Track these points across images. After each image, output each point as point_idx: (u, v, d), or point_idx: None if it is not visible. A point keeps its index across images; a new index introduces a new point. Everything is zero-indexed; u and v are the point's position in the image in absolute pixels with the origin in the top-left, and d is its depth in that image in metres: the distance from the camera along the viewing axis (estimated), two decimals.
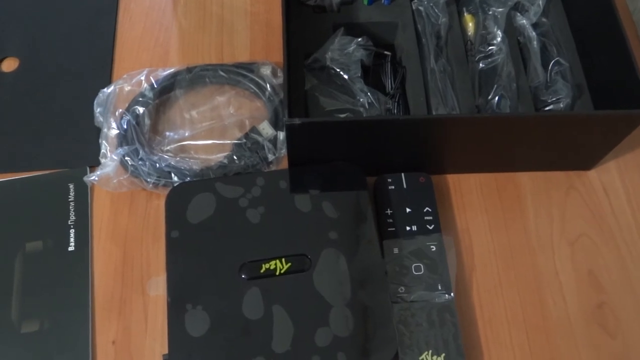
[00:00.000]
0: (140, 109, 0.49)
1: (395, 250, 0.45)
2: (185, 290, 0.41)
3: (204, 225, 0.44)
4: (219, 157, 0.48)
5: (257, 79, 0.51)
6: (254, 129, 0.49)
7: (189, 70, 0.52)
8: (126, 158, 0.46)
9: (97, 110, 0.50)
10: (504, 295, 0.45)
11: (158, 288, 0.44)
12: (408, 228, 0.46)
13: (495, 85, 0.49)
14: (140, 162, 0.47)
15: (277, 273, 0.42)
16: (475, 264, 0.47)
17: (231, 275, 0.42)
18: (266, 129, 0.49)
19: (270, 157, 0.48)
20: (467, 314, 0.44)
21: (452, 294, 0.43)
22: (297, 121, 0.40)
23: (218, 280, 0.42)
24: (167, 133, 0.50)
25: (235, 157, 0.48)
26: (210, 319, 0.40)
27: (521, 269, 0.46)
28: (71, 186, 0.48)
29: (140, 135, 0.48)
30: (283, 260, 0.42)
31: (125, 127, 0.48)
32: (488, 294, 0.45)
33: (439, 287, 0.44)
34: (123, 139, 0.48)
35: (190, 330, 0.40)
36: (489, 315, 0.45)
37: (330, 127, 0.42)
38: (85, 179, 0.47)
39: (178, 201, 0.45)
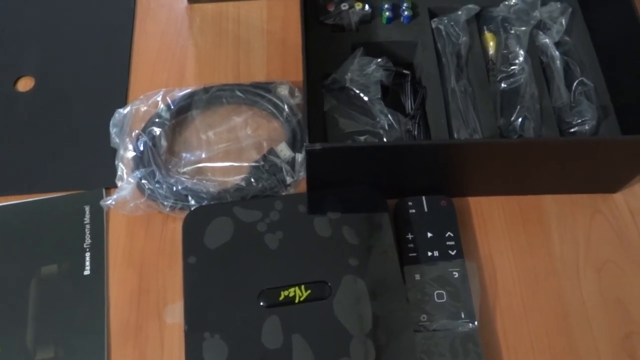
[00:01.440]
0: (157, 130, 0.48)
1: (417, 277, 0.44)
2: (203, 318, 0.41)
3: (222, 251, 0.43)
4: (236, 179, 0.48)
5: (274, 99, 0.51)
6: (271, 151, 0.48)
7: (206, 90, 0.51)
8: (143, 181, 0.46)
9: (113, 131, 0.49)
10: (529, 324, 0.44)
11: (175, 315, 0.43)
12: (430, 253, 0.45)
13: (519, 106, 0.48)
14: (157, 185, 0.46)
15: (297, 301, 0.41)
16: (499, 291, 0.45)
17: (249, 302, 0.41)
18: (284, 150, 0.48)
19: (289, 179, 0.47)
20: (490, 343, 0.43)
21: (475, 323, 0.42)
22: (317, 146, 0.39)
23: (236, 308, 0.41)
24: (184, 154, 0.49)
25: (252, 180, 0.47)
26: (228, 348, 0.39)
27: (546, 296, 0.45)
28: (87, 208, 0.48)
29: (156, 157, 0.47)
30: (302, 287, 0.41)
31: (141, 148, 0.47)
32: (512, 322, 0.44)
33: (462, 316, 0.42)
34: (139, 160, 0.47)
35: (208, 359, 0.39)
36: (513, 345, 0.43)
37: (352, 152, 0.41)
38: (101, 203, 0.46)
39: (195, 226, 0.44)
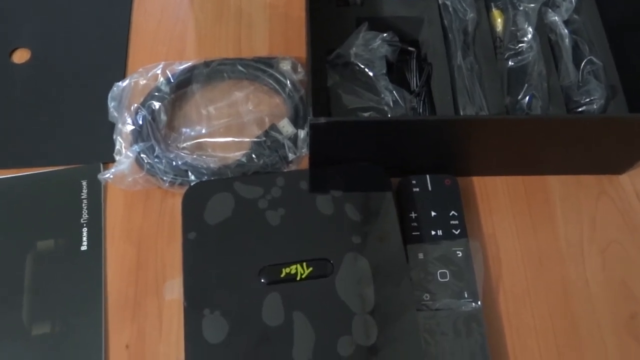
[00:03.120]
0: (156, 104, 0.47)
1: (420, 256, 0.43)
2: (203, 294, 0.40)
3: (222, 227, 0.42)
4: (237, 155, 0.47)
5: (276, 74, 0.49)
6: (273, 127, 0.47)
7: (207, 64, 0.50)
8: (142, 155, 0.45)
9: (111, 104, 0.48)
10: (532, 304, 0.44)
11: (174, 291, 0.42)
12: (433, 232, 0.44)
13: (526, 85, 0.47)
14: (156, 160, 0.45)
15: (298, 278, 0.40)
16: (502, 271, 0.45)
17: (250, 279, 0.40)
18: (286, 126, 0.47)
19: (291, 156, 0.46)
20: (494, 323, 0.43)
21: (479, 303, 0.42)
22: (322, 120, 0.38)
23: (237, 285, 0.40)
24: (184, 129, 0.48)
25: (254, 156, 0.46)
26: (228, 325, 0.39)
27: (550, 276, 0.45)
28: (84, 183, 0.47)
29: (156, 132, 0.46)
30: (304, 264, 0.41)
31: (140, 122, 0.46)
32: (516, 302, 0.44)
33: (466, 295, 0.42)
34: (138, 135, 0.46)
35: (207, 336, 0.38)
36: (516, 325, 0.43)
37: (357, 126, 0.40)
38: (99, 176, 0.45)
39: (195, 201, 0.43)
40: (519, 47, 0.49)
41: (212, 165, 0.46)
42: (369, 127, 0.41)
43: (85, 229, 0.45)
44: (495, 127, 0.42)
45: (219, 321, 0.39)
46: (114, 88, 0.49)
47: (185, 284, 0.40)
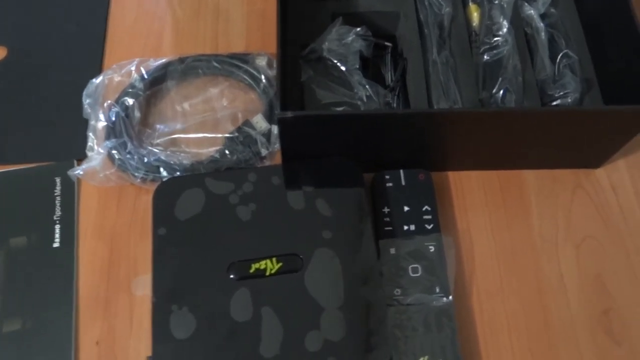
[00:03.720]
0: (130, 101, 0.47)
1: (392, 251, 0.43)
2: (171, 290, 0.40)
3: (192, 222, 0.42)
4: (211, 151, 0.47)
5: (251, 70, 0.49)
6: (247, 123, 0.47)
7: (182, 60, 0.50)
8: (113, 151, 0.45)
9: (86, 101, 0.48)
10: (505, 299, 0.43)
11: (143, 287, 0.42)
12: (406, 227, 0.44)
13: (500, 79, 0.47)
14: (128, 156, 0.45)
15: (268, 273, 0.40)
16: (476, 266, 0.45)
17: (219, 275, 0.40)
18: (260, 122, 0.47)
19: (264, 151, 0.46)
20: (466, 318, 0.43)
21: (450, 297, 0.41)
22: (289, 114, 0.38)
23: (205, 280, 0.40)
24: (158, 126, 0.48)
25: (227, 152, 0.46)
26: (196, 321, 0.39)
27: (524, 271, 0.44)
28: (57, 180, 0.47)
29: (129, 128, 0.46)
30: (274, 259, 0.40)
31: (113, 119, 0.46)
32: (488, 297, 0.43)
33: (437, 290, 0.42)
34: (111, 131, 0.46)
35: (175, 332, 0.38)
36: (489, 320, 0.43)
37: (325, 120, 0.40)
38: (69, 172, 0.45)
39: (166, 197, 0.43)
40: (495, 41, 0.49)
41: (184, 161, 0.46)
42: (339, 121, 0.40)
43: (58, 226, 0.45)
44: (469, 120, 0.42)
45: (186, 317, 0.39)
46: (89, 85, 0.49)
47: (154, 280, 0.40)
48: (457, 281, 0.43)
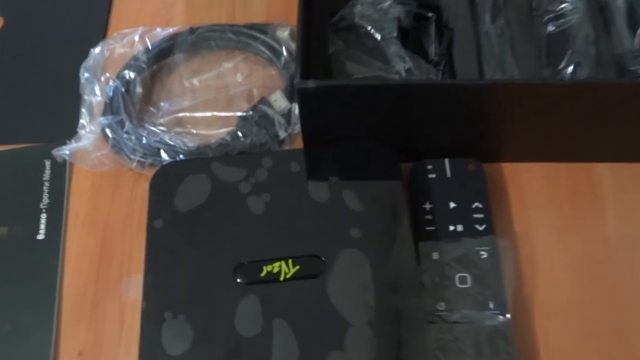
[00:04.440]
0: (131, 74, 0.41)
1: (435, 256, 0.35)
2: (166, 294, 0.33)
3: (195, 215, 0.35)
4: (221, 133, 0.40)
5: (271, 41, 0.43)
6: (264, 100, 0.40)
7: (192, 31, 0.43)
8: (107, 130, 0.39)
9: (84, 76, 0.42)
10: (576, 320, 0.35)
11: (135, 289, 0.35)
12: (452, 228, 0.36)
13: (569, 51, 0.39)
14: (125, 136, 0.38)
15: (282, 278, 0.33)
16: (538, 278, 0.36)
17: (224, 278, 0.33)
18: (279, 100, 0.40)
19: (282, 134, 0.39)
20: (526, 341, 0.34)
21: (507, 316, 0.33)
22: (311, 84, 0.31)
23: (207, 284, 0.33)
24: (162, 104, 0.42)
25: (239, 134, 0.39)
26: (193, 333, 0.32)
27: (598, 286, 0.36)
28: (47, 163, 0.41)
29: (128, 105, 0.40)
30: (290, 262, 0.33)
31: (111, 94, 0.40)
32: (555, 317, 0.35)
33: (491, 306, 0.34)
34: (108, 108, 0.40)
35: (167, 346, 0.32)
36: (554, 345, 0.34)
37: (355, 92, 0.33)
38: (54, 152, 0.39)
39: (165, 183, 0.36)
40: (561, 9, 0.41)
41: (190, 144, 0.39)
42: (371, 94, 0.33)
43: (44, 215, 0.39)
44: (532, 97, 0.34)
45: (182, 328, 0.32)
46: (88, 57, 0.43)
47: (145, 281, 0.33)
48: (516, 295, 0.35)
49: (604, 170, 0.39)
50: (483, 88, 0.33)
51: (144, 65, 0.42)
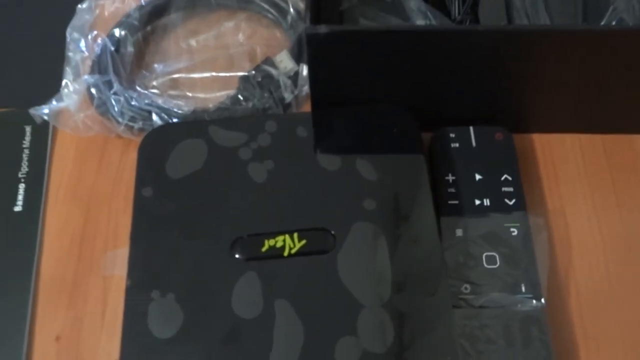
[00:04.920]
0: (122, 33, 0.37)
1: (459, 232, 0.31)
2: (153, 271, 0.29)
3: (189, 182, 0.31)
4: (220, 96, 0.36)
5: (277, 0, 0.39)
6: (268, 61, 0.36)
7: None
8: (92, 89, 0.35)
9: (71, 35, 0.38)
10: (617, 306, 0.31)
11: (117, 265, 0.31)
12: (478, 202, 0.32)
13: (611, 7, 0.35)
14: (113, 97, 0.35)
15: (286, 254, 0.29)
16: (574, 260, 0.32)
17: (220, 253, 0.29)
18: (285, 61, 0.36)
19: (288, 96, 0.35)
20: (562, 329, 0.30)
21: (542, 300, 0.29)
22: (323, 29, 0.27)
23: (201, 260, 0.29)
24: (156, 65, 0.38)
25: (240, 97, 0.35)
26: (184, 314, 0.28)
27: None
28: (28, 129, 0.37)
29: (117, 65, 0.36)
30: (295, 235, 0.29)
31: (99, 52, 0.36)
32: (593, 303, 0.31)
33: (522, 289, 0.30)
34: (95, 66, 0.36)
35: (154, 328, 0.28)
36: (594, 334, 0.30)
37: (372, 40, 0.29)
38: (32, 111, 0.35)
39: (156, 148, 0.32)
40: None
41: (185, 108, 0.35)
42: (390, 42, 0.29)
43: (22, 185, 0.35)
44: (568, 49, 0.30)
45: (171, 308, 0.28)
46: (75, 15, 0.39)
47: (131, 255, 0.29)
48: (550, 278, 0.31)
49: None
50: (513, 35, 0.29)
51: (136, 23, 0.38)
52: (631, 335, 0.30)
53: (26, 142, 0.37)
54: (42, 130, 0.37)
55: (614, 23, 0.34)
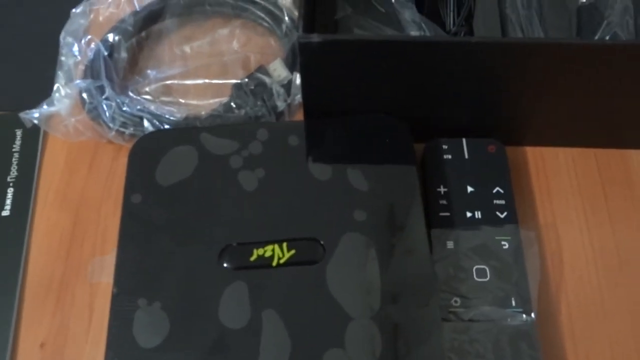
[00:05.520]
0: (116, 38, 0.37)
1: (449, 245, 0.31)
2: (140, 278, 0.29)
3: (178, 190, 0.31)
4: (213, 103, 0.36)
5: (272, 8, 0.39)
6: (261, 69, 0.36)
7: None
8: (84, 94, 0.34)
9: (64, 40, 0.38)
10: (609, 321, 0.31)
11: (103, 272, 0.31)
12: (469, 214, 0.32)
13: (605, 22, 0.35)
14: (105, 102, 0.34)
15: (274, 264, 0.29)
16: (565, 274, 0.32)
17: (208, 261, 0.29)
18: (278, 69, 0.36)
19: (281, 105, 0.35)
20: (552, 344, 0.30)
21: (532, 315, 0.29)
22: (316, 38, 0.27)
23: (188, 269, 0.29)
24: (149, 71, 0.38)
25: (233, 105, 0.35)
26: (170, 324, 0.27)
27: (635, 284, 0.32)
28: (18, 133, 0.37)
29: (110, 70, 0.36)
30: (284, 245, 0.29)
31: (92, 56, 0.36)
32: (584, 317, 0.31)
33: (513, 303, 0.30)
34: (88, 71, 0.36)
35: (139, 337, 0.27)
36: (585, 349, 0.30)
37: (364, 50, 0.29)
38: (22, 115, 0.34)
39: (146, 154, 0.32)
40: None
41: (177, 114, 0.35)
42: (383, 52, 0.29)
43: (11, 189, 0.35)
44: (560, 61, 0.29)
45: (157, 316, 0.28)
46: (69, 20, 0.39)
47: (118, 262, 0.29)
48: (541, 292, 0.31)
49: (638, 157, 0.35)
50: (507, 47, 0.29)
51: (130, 29, 0.38)
52: (622, 350, 0.30)
53: (16, 146, 0.36)
54: (33, 134, 0.37)
55: (608, 37, 0.34)
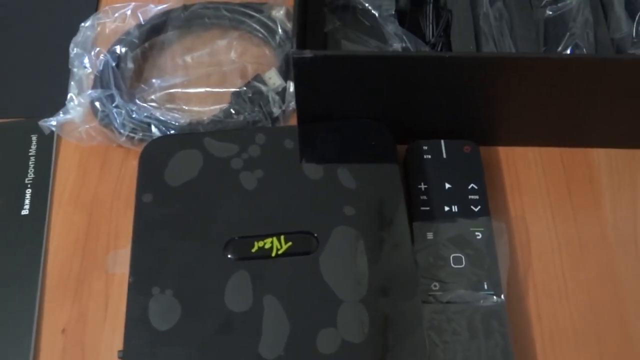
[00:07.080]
0: (122, 49, 0.40)
1: (429, 236, 0.35)
2: (153, 268, 0.32)
3: (185, 189, 0.34)
4: (214, 109, 0.39)
5: (266, 20, 0.42)
6: (258, 78, 0.39)
7: (186, 7, 0.42)
8: (96, 103, 0.38)
9: (74, 51, 0.41)
10: (571, 302, 0.35)
11: (120, 263, 0.34)
12: (447, 208, 0.35)
13: (568, 34, 0.38)
14: (115, 110, 0.38)
15: (274, 254, 0.32)
16: (533, 261, 0.36)
17: (214, 253, 0.32)
18: (273, 78, 0.39)
19: (276, 111, 0.38)
20: (520, 323, 0.34)
21: (502, 297, 0.33)
22: (308, 54, 0.31)
23: (196, 259, 0.32)
24: (154, 80, 0.41)
25: (232, 111, 0.38)
26: (181, 308, 0.31)
27: (594, 269, 0.36)
28: (34, 138, 0.40)
29: (119, 80, 0.39)
30: (282, 238, 0.33)
31: (101, 68, 0.39)
32: (549, 299, 0.35)
33: (485, 286, 0.33)
34: (98, 81, 0.39)
35: (154, 321, 0.31)
36: (549, 328, 0.34)
37: (352, 64, 0.32)
38: (41, 123, 0.38)
39: (155, 157, 0.35)
40: None
41: (182, 120, 0.38)
42: (369, 65, 0.32)
43: (29, 190, 0.38)
44: (528, 73, 0.33)
45: (170, 303, 0.31)
46: (79, 31, 0.42)
47: (133, 255, 0.32)
48: (510, 277, 0.35)
49: (599, 156, 0.39)
50: (480, 61, 0.33)
51: (135, 41, 0.41)
52: (582, 327, 0.34)
53: (32, 150, 0.39)
54: (48, 140, 0.40)
55: (570, 48, 0.38)
